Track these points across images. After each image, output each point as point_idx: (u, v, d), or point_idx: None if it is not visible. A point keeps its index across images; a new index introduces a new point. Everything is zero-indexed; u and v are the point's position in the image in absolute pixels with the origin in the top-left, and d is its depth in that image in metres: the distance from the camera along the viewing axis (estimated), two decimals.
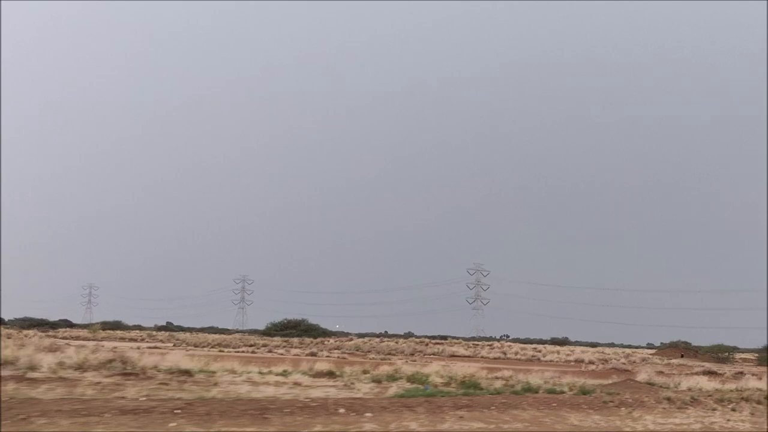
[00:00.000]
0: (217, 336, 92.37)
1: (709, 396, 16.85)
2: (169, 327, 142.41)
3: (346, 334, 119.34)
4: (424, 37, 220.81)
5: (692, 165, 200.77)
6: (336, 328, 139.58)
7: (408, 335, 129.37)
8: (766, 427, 13.65)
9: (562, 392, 16.14)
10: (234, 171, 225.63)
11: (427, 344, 65.54)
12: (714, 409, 15.13)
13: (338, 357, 43.08)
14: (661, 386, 18.63)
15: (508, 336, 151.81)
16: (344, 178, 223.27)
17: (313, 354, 48.32)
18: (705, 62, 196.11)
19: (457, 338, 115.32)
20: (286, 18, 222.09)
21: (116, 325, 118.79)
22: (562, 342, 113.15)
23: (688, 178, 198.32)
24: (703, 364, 56.92)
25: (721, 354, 68.17)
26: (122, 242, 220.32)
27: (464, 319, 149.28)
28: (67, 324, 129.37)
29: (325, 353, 47.17)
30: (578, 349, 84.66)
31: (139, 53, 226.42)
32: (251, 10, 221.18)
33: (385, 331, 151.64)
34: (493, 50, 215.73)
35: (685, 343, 78.19)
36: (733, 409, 15.24)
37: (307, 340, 75.05)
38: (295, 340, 75.05)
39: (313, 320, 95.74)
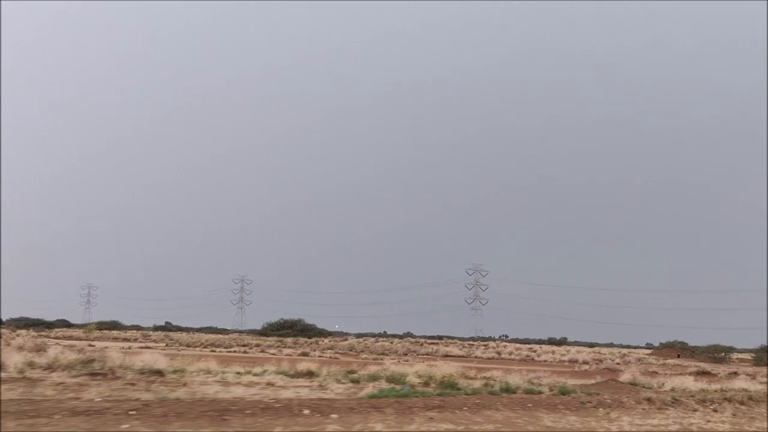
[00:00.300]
0: (213, 336, 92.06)
1: (692, 397, 16.49)
2: (167, 327, 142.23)
3: (344, 334, 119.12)
4: (423, 37, 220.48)
5: (691, 165, 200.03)
6: (336, 328, 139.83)
7: (407, 335, 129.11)
8: (747, 427, 13.31)
9: (540, 392, 15.78)
10: (234, 171, 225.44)
11: (422, 344, 65.15)
12: (695, 410, 14.77)
13: (330, 357, 42.76)
14: (644, 386, 18.25)
15: (507, 336, 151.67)
16: (343, 177, 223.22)
17: (305, 354, 47.98)
18: (705, 61, 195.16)
19: (454, 338, 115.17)
20: (286, 18, 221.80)
21: (113, 325, 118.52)
22: (560, 342, 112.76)
23: (688, 178, 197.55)
24: (699, 364, 56.55)
25: (717, 354, 67.74)
26: (122, 242, 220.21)
27: (464, 320, 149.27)
28: (65, 324, 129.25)
29: (317, 353, 46.81)
30: (574, 349, 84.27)
31: (139, 53, 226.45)
32: (251, 10, 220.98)
33: (384, 332, 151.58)
34: (492, 49, 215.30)
35: (682, 343, 77.79)
36: (715, 410, 14.88)
37: (302, 340, 74.71)
38: (290, 340, 74.74)
39: (312, 320, 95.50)
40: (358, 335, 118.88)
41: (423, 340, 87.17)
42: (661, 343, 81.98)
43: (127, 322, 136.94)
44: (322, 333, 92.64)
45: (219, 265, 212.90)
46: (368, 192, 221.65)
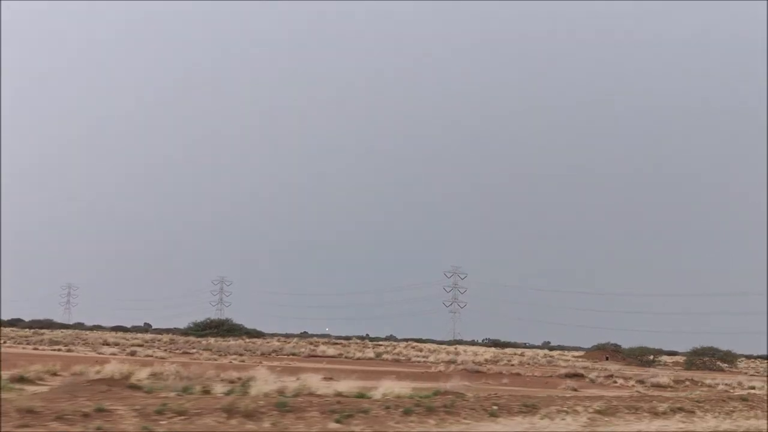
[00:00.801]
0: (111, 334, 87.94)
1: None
2: (125, 328, 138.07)
3: (287, 336, 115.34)
4: (397, 32, 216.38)
5: (686, 164, 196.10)
6: (326, 330, 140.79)
7: (389, 338, 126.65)
8: None
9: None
10: (213, 166, 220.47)
11: (317, 344, 62.12)
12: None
13: (191, 359, 39.59)
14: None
15: (489, 339, 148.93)
16: (320, 176, 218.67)
17: (190, 353, 44.85)
18: (705, 61, 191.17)
19: (433, 341, 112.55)
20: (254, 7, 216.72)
21: (47, 324, 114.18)
22: (504, 345, 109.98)
23: (682, 178, 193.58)
24: (611, 367, 53.71)
25: (644, 357, 65.01)
26: (103, 242, 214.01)
27: (444, 322, 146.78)
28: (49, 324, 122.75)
29: (204, 354, 43.51)
30: (510, 351, 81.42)
31: (113, 40, 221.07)
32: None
33: (367, 334, 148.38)
34: (471, 41, 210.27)
35: (615, 345, 75.17)
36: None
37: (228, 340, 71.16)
38: (211, 340, 71.24)
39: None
40: (338, 337, 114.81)
41: (318, 340, 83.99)
42: (593, 346, 79.52)
43: (107, 323, 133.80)
44: (252, 333, 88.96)
45: (202, 266, 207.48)
46: (340, 192, 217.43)
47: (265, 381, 15.00)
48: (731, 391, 31.44)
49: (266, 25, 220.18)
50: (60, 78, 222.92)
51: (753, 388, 34.84)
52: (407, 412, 13.04)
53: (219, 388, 13.78)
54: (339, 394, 14.27)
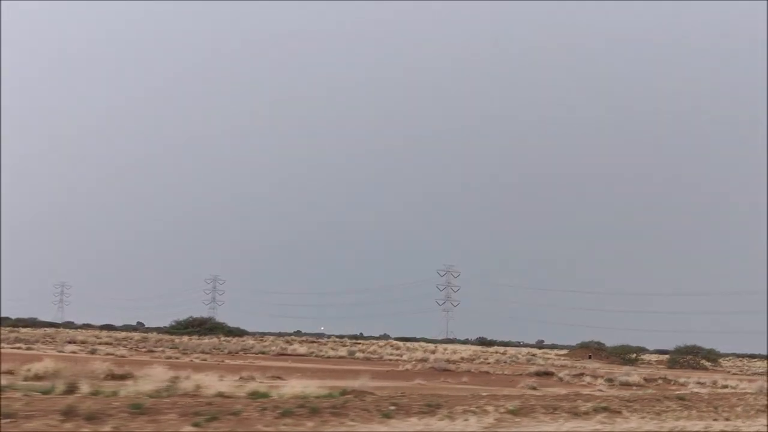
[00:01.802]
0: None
1: None
2: (113, 327, 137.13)
3: (262, 334, 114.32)
4: (396, 31, 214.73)
5: (685, 165, 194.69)
6: (321, 330, 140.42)
7: (383, 337, 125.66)
8: None
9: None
10: (204, 161, 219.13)
11: (291, 343, 61.04)
12: None
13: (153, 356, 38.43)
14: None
15: (485, 338, 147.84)
16: (317, 176, 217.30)
17: (154, 352, 43.82)
18: (705, 60, 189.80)
19: (424, 339, 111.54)
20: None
21: (31, 323, 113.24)
22: (490, 343, 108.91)
23: (682, 178, 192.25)
24: (591, 365, 52.57)
25: (625, 355, 63.79)
26: (99, 241, 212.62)
27: (438, 321, 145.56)
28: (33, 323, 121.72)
29: (167, 352, 42.42)
30: (494, 349, 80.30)
31: (108, 42, 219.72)
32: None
33: (361, 333, 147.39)
34: (469, 41, 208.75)
35: (599, 343, 73.86)
36: None
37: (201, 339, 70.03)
38: (185, 338, 70.11)
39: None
40: (329, 336, 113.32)
41: (294, 338, 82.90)
42: (578, 344, 78.19)
43: (100, 322, 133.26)
44: (233, 332, 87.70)
45: (199, 264, 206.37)
46: (340, 191, 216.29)
47: (146, 379, 13.80)
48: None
49: (265, 25, 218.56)
50: (55, 77, 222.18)
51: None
52: (285, 414, 11.84)
53: (85, 388, 12.56)
54: (219, 395, 13.07)
